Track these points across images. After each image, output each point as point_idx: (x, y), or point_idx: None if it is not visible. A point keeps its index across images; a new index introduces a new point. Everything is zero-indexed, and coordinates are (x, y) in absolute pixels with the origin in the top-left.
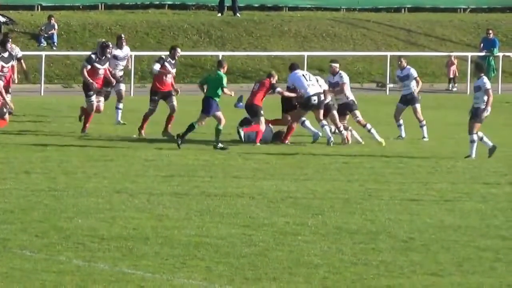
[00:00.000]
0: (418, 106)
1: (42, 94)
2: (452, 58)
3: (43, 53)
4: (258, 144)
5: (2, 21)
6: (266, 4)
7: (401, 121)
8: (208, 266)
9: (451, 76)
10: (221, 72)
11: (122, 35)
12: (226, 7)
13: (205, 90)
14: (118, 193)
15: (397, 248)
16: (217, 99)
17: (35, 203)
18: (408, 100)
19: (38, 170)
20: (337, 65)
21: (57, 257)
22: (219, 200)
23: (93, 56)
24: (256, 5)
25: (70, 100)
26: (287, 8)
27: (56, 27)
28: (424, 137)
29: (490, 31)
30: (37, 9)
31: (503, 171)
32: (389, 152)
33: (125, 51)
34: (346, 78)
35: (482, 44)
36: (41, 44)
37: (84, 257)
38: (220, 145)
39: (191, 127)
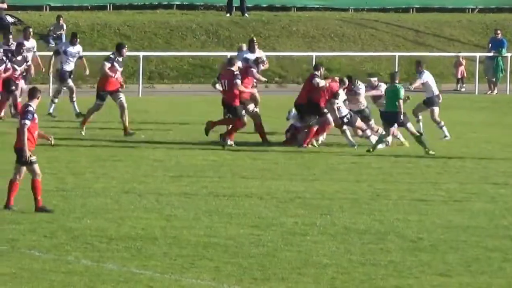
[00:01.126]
0: (435, 108)
1: (50, 94)
2: (460, 59)
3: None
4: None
5: (10, 21)
6: (274, 4)
7: (441, 123)
8: (217, 266)
9: (459, 76)
10: (397, 83)
11: (254, 39)
12: (234, 8)
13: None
14: (127, 194)
15: (406, 248)
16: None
17: (44, 203)
18: (426, 103)
19: (47, 170)
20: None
21: (66, 257)
22: (227, 200)
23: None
24: (265, 5)
25: (78, 100)
26: (295, 9)
27: (64, 27)
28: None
29: (499, 32)
30: (46, 10)
31: (511, 171)
32: (397, 152)
33: (257, 54)
34: (361, 90)
35: (490, 45)
36: (50, 45)
37: (93, 257)
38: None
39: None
